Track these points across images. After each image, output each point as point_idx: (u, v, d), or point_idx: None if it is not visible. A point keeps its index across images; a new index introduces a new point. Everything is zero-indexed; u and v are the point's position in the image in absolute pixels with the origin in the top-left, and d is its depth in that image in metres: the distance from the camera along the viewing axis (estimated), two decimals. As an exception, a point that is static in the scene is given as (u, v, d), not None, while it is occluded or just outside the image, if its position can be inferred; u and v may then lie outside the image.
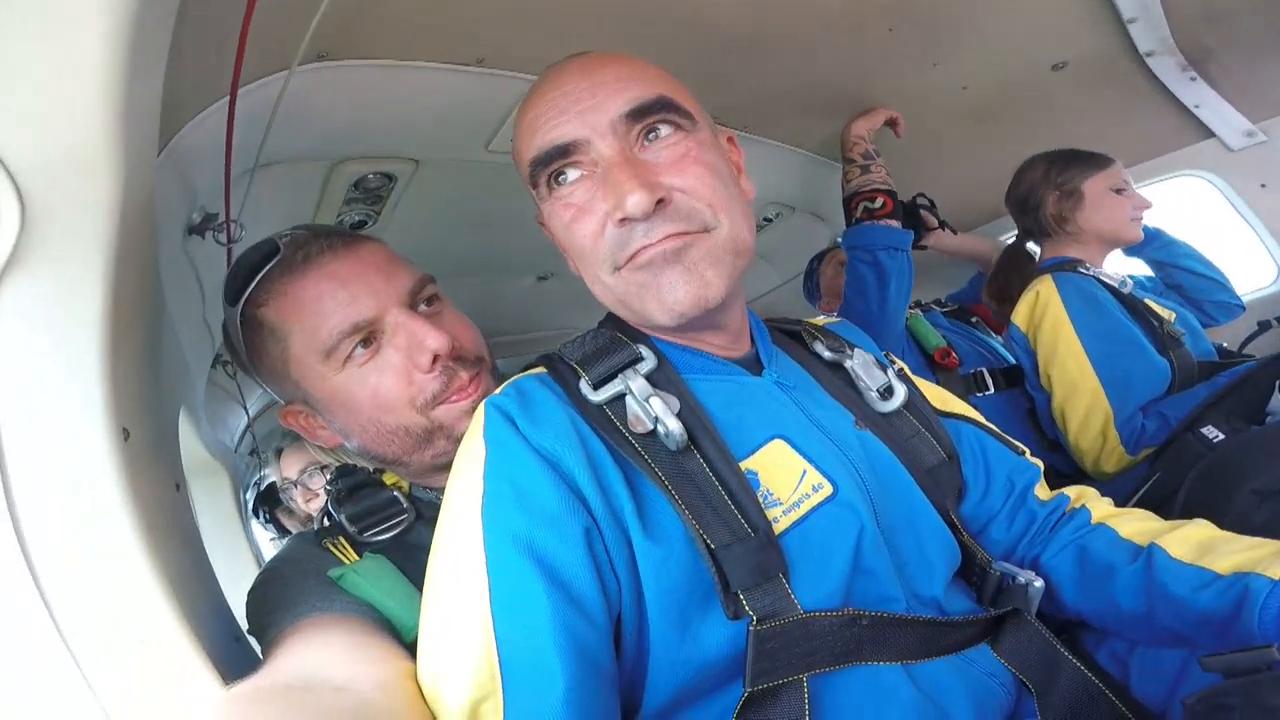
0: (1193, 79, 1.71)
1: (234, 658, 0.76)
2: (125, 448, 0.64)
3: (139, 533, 0.61)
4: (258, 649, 0.80)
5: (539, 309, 2.43)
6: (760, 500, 0.65)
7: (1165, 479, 1.25)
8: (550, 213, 0.74)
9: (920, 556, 0.73)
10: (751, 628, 0.60)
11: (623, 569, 0.61)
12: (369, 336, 0.84)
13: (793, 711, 0.60)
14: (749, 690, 0.60)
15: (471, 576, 0.59)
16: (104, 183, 0.57)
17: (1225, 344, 1.79)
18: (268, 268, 0.85)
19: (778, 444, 0.70)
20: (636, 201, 0.64)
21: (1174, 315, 1.63)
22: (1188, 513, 1.10)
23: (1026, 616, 0.73)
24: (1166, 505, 1.14)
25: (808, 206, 2.29)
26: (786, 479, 0.68)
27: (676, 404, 0.68)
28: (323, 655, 0.66)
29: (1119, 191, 1.67)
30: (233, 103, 0.79)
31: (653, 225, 0.67)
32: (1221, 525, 0.94)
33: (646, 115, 0.69)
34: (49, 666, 0.56)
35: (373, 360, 0.85)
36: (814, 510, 0.67)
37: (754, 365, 0.80)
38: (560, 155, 0.69)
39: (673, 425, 0.65)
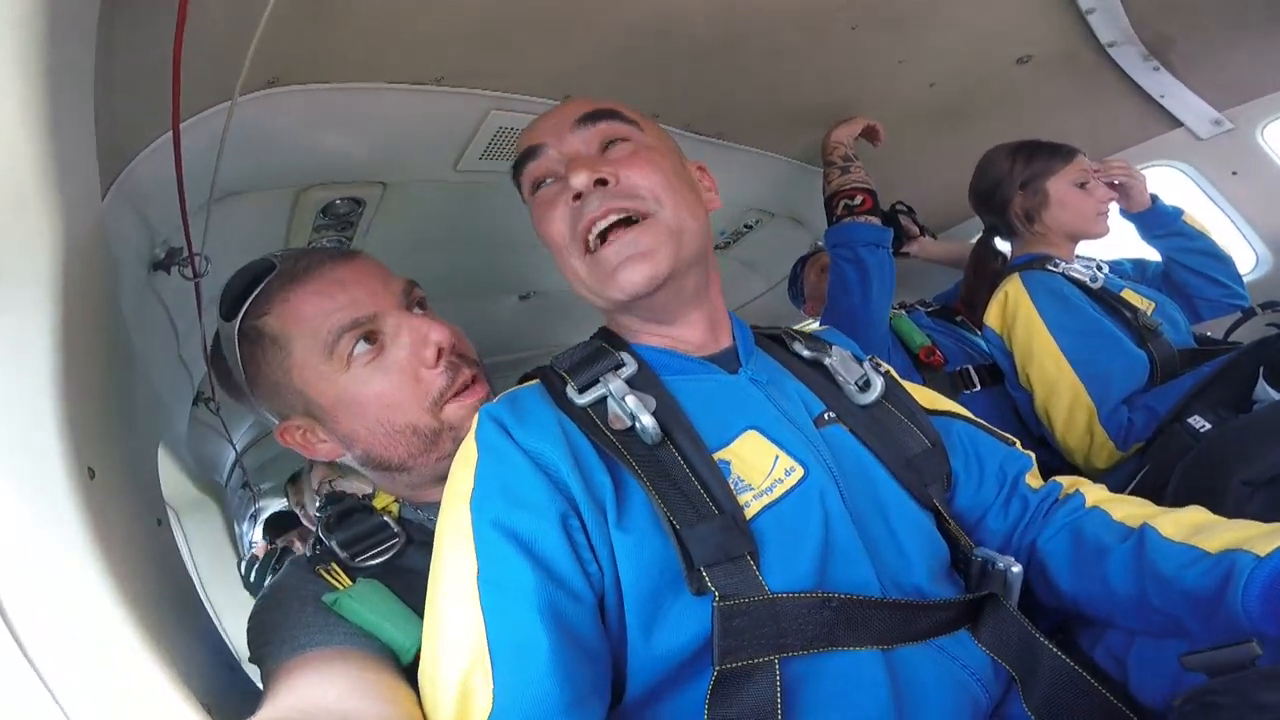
0: (1156, 69, 1.71)
1: (228, 688, 0.76)
2: (90, 486, 0.63)
3: (109, 569, 0.60)
4: (258, 677, 0.79)
5: (523, 329, 2.43)
6: (731, 486, 0.69)
7: (1154, 472, 1.23)
8: (533, 215, 0.85)
9: (893, 544, 0.74)
10: (716, 603, 0.62)
11: (604, 554, 0.65)
12: (369, 334, 0.87)
13: (764, 694, 0.61)
14: (718, 669, 0.61)
15: (463, 561, 0.64)
16: (42, 223, 0.56)
17: (1210, 332, 1.77)
18: (267, 280, 0.87)
19: (751, 434, 0.75)
20: (580, 178, 0.76)
21: (1153, 305, 1.62)
22: (1178, 505, 1.10)
23: (1004, 602, 0.73)
24: (1156, 498, 1.12)
25: (787, 211, 2.30)
26: (760, 465, 0.73)
27: (653, 403, 0.74)
28: (325, 689, 0.67)
29: (1083, 186, 1.65)
30: (176, 135, 0.79)
31: (601, 200, 0.77)
32: None
33: (595, 120, 0.83)
34: (27, 710, 0.54)
35: (377, 360, 0.87)
36: (787, 494, 0.71)
37: (731, 363, 0.86)
38: (529, 156, 0.84)
39: (647, 421, 0.71)
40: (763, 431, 0.76)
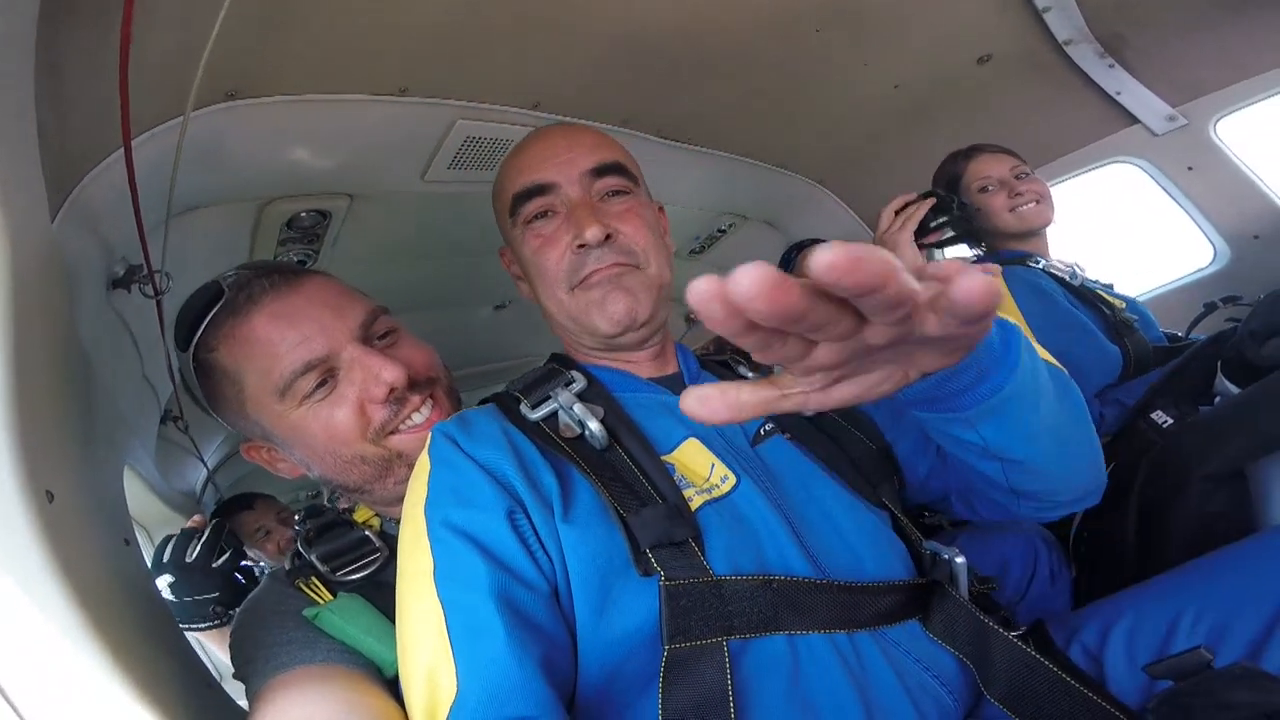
0: (1111, 66, 1.74)
1: (206, 707, 0.75)
2: (49, 509, 0.62)
3: (72, 593, 0.59)
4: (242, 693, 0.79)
5: (499, 338, 2.41)
6: (675, 482, 0.74)
7: (1121, 467, 1.22)
8: (521, 242, 0.90)
9: (844, 548, 0.76)
10: (662, 583, 0.65)
11: (553, 547, 0.69)
12: (326, 374, 0.85)
13: (714, 675, 0.63)
14: (668, 649, 0.64)
15: (421, 560, 0.67)
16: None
17: (1179, 332, 1.78)
18: (213, 312, 0.85)
19: (692, 442, 0.81)
20: (594, 232, 0.83)
21: (1123, 304, 1.64)
22: (1144, 505, 1.10)
23: (950, 590, 0.75)
24: (1125, 494, 1.14)
25: (760, 215, 2.30)
26: (700, 470, 0.78)
27: (601, 412, 0.80)
28: (311, 710, 0.67)
29: (984, 190, 1.66)
30: (128, 152, 0.77)
31: (603, 253, 0.85)
32: (1178, 514, 0.93)
33: (606, 173, 0.89)
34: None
35: (329, 396, 0.85)
36: (725, 495, 0.76)
37: (677, 386, 0.91)
38: (539, 192, 0.88)
39: (595, 427, 0.77)
40: (702, 440, 0.81)
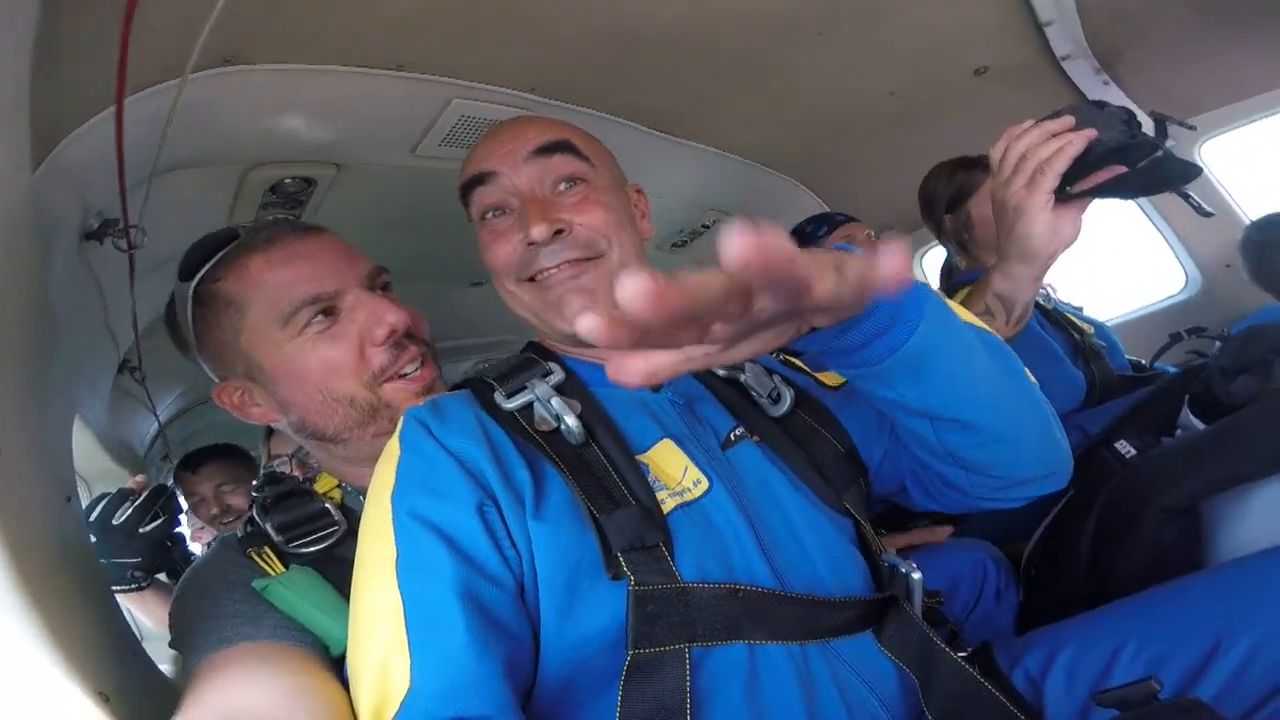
0: (1105, 83, 1.73)
1: (129, 675, 0.74)
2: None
3: (6, 548, 0.57)
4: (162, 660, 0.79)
5: (474, 316, 2.37)
6: (649, 484, 0.72)
7: (1080, 494, 1.21)
8: (479, 239, 0.88)
9: (800, 553, 0.76)
10: (631, 588, 0.65)
11: (522, 543, 0.67)
12: (328, 309, 0.88)
13: (674, 682, 0.63)
14: (631, 653, 0.63)
15: (383, 549, 0.65)
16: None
17: (1142, 360, 1.80)
18: (229, 248, 0.88)
19: (666, 443, 0.80)
20: (539, 230, 0.80)
21: (1092, 330, 1.65)
22: (1099, 532, 1.10)
23: (905, 606, 0.76)
24: (1080, 523, 1.14)
25: (745, 212, 2.29)
26: (673, 471, 0.77)
27: (579, 407, 0.77)
28: (254, 691, 0.65)
29: None
30: (120, 111, 0.75)
31: (554, 251, 0.82)
32: (1133, 544, 0.93)
33: (551, 152, 0.85)
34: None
35: (329, 330, 0.87)
36: (696, 500, 0.75)
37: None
38: (480, 181, 0.86)
39: (571, 422, 0.75)
40: (677, 442, 0.80)
